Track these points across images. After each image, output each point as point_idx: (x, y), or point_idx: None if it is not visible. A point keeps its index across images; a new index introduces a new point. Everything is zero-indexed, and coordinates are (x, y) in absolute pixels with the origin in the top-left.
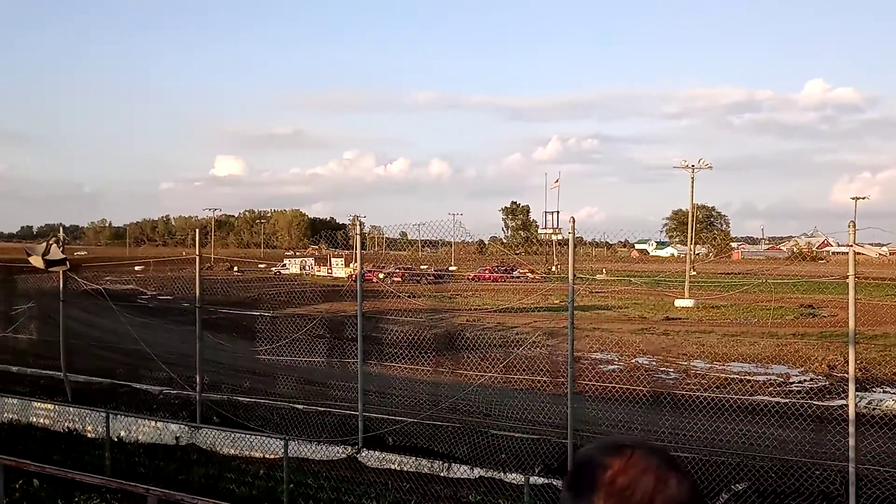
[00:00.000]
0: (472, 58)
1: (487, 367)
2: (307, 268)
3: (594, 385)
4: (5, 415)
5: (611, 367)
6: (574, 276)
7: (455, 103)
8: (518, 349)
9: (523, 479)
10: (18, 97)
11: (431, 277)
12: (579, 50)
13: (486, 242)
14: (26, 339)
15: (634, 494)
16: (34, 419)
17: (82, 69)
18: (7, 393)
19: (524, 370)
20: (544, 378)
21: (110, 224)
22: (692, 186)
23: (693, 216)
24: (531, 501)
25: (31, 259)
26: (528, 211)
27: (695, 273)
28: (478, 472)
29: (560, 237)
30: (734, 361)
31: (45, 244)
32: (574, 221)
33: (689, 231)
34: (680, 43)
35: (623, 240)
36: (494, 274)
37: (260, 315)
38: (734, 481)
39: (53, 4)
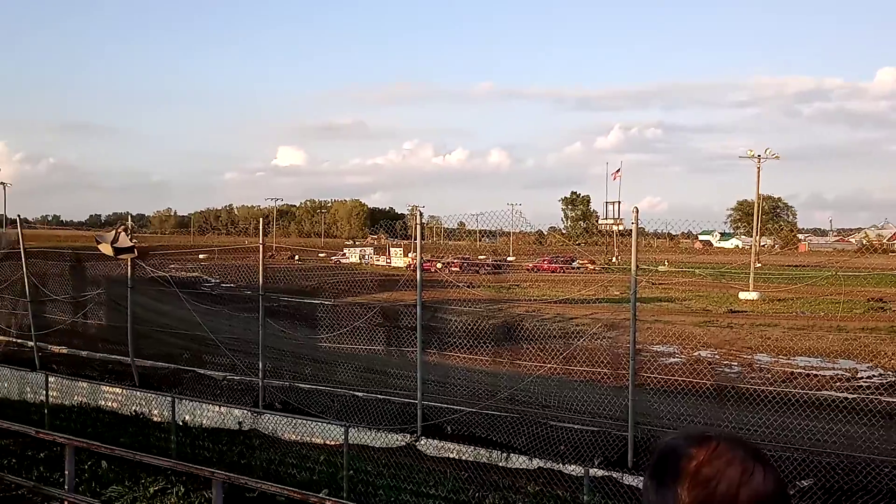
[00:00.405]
0: (533, 48)
1: (546, 358)
2: (366, 257)
3: (655, 377)
4: (75, 398)
5: (672, 359)
6: (637, 267)
7: (515, 93)
8: (578, 340)
9: (583, 471)
10: (89, 88)
11: (489, 267)
12: (643, 38)
13: (545, 233)
14: (95, 325)
15: (719, 485)
16: (103, 402)
17: (151, 62)
18: (77, 377)
19: (584, 362)
20: (604, 370)
21: (175, 213)
22: (758, 177)
23: (759, 207)
24: (591, 493)
25: (100, 247)
26: (588, 201)
27: (760, 265)
28: (536, 462)
29: (621, 228)
30: (800, 355)
31: (114, 232)
32: (637, 212)
33: (755, 222)
34: (748, 31)
35: (686, 230)
36: (553, 265)
37: (320, 303)
38: (799, 477)
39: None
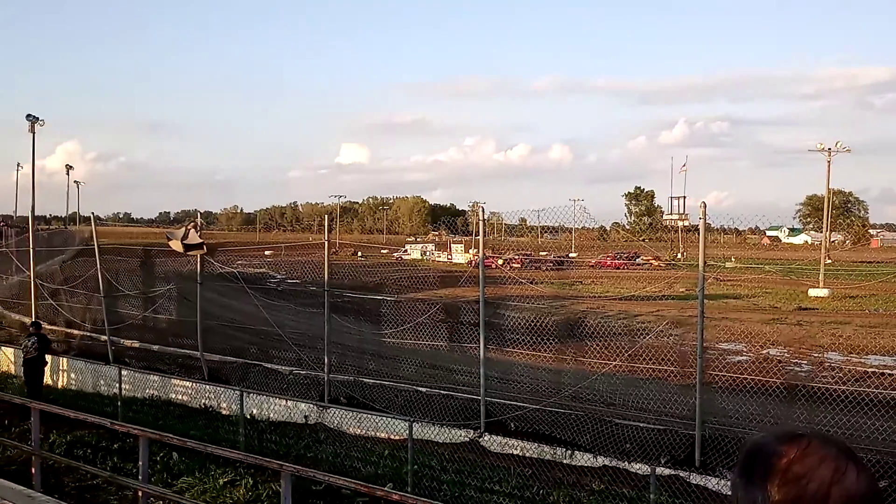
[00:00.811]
0: (596, 42)
1: (611, 356)
2: (428, 253)
3: (722, 376)
4: (147, 391)
5: (740, 357)
6: (704, 263)
7: (578, 88)
8: (644, 338)
9: (649, 470)
10: (159, 88)
11: (551, 264)
12: (708, 30)
13: (608, 228)
14: (165, 319)
15: (810, 484)
16: (173, 395)
17: (219, 62)
18: (149, 370)
19: (650, 359)
20: (671, 368)
21: (241, 210)
22: (828, 170)
23: (829, 201)
24: (657, 492)
25: (171, 243)
26: (652, 196)
27: (830, 261)
28: (601, 460)
29: (686, 223)
30: (873, 354)
31: (183, 229)
32: (705, 206)
33: (825, 217)
34: (817, 21)
35: (753, 226)
36: (616, 261)
37: (383, 299)
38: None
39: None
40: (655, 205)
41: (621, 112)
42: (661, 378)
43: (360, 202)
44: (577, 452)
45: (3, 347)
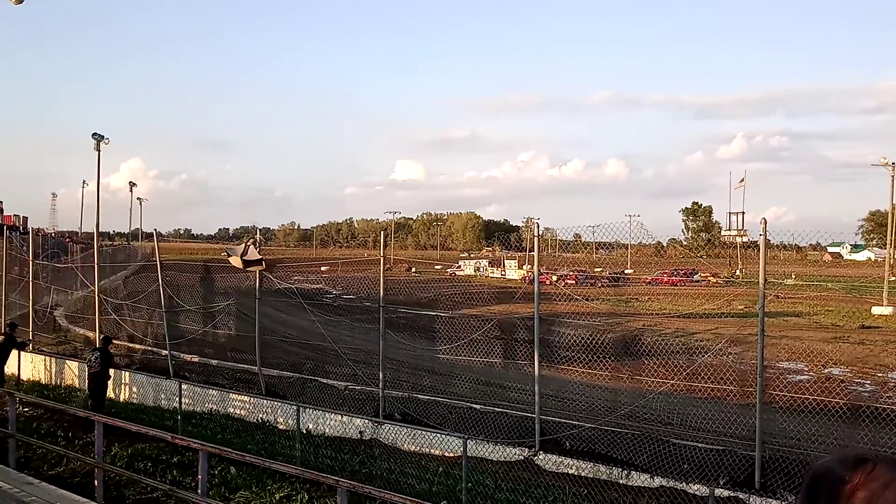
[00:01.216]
0: (652, 56)
1: (668, 374)
2: (481, 269)
3: (783, 395)
4: (206, 405)
5: (801, 377)
6: (765, 280)
7: (633, 102)
8: (702, 356)
9: (707, 491)
10: (219, 107)
11: (606, 280)
12: (767, 44)
13: (665, 245)
14: (224, 334)
15: None
16: (231, 410)
17: (277, 81)
18: (208, 384)
19: (708, 378)
20: (730, 387)
21: (298, 226)
22: (892, 185)
23: (893, 217)
24: None
25: (230, 259)
26: (710, 212)
27: (894, 278)
28: (658, 480)
29: (745, 239)
30: None
31: (243, 245)
32: (765, 223)
33: (889, 233)
34: (877, 34)
35: (814, 242)
36: (673, 277)
37: (437, 315)
38: None
39: (250, 22)
40: (713, 220)
41: (678, 126)
42: (720, 397)
43: (414, 218)
44: (633, 472)
45: (68, 361)
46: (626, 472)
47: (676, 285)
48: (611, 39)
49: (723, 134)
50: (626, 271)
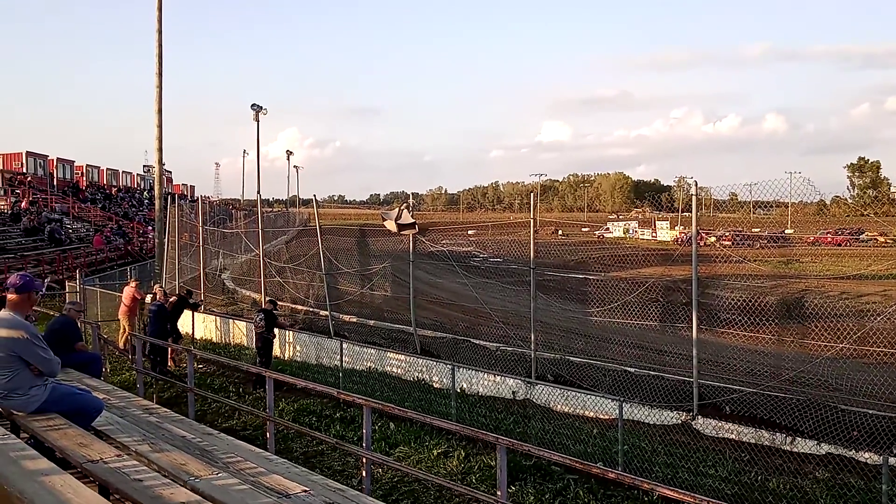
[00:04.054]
0: (813, 4)
1: (836, 338)
2: (631, 231)
3: None
4: (365, 363)
5: None
6: None
7: (793, 54)
8: (873, 319)
9: (880, 459)
10: (369, 74)
11: (765, 241)
12: None
13: (828, 203)
14: (380, 296)
15: None
16: (388, 368)
17: (425, 47)
18: (365, 343)
19: (881, 342)
20: None
21: (445, 191)
22: None
23: None
24: (889, 482)
25: (385, 223)
26: (878, 167)
27: None
28: (825, 448)
29: None
30: None
31: (397, 210)
32: None
33: None
34: None
35: None
36: (837, 237)
37: (586, 277)
38: None
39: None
40: (882, 176)
41: (842, 78)
42: (893, 363)
43: (560, 180)
44: (798, 439)
45: (236, 321)
46: (790, 438)
47: (841, 245)
48: None
49: (892, 84)
50: (785, 231)
